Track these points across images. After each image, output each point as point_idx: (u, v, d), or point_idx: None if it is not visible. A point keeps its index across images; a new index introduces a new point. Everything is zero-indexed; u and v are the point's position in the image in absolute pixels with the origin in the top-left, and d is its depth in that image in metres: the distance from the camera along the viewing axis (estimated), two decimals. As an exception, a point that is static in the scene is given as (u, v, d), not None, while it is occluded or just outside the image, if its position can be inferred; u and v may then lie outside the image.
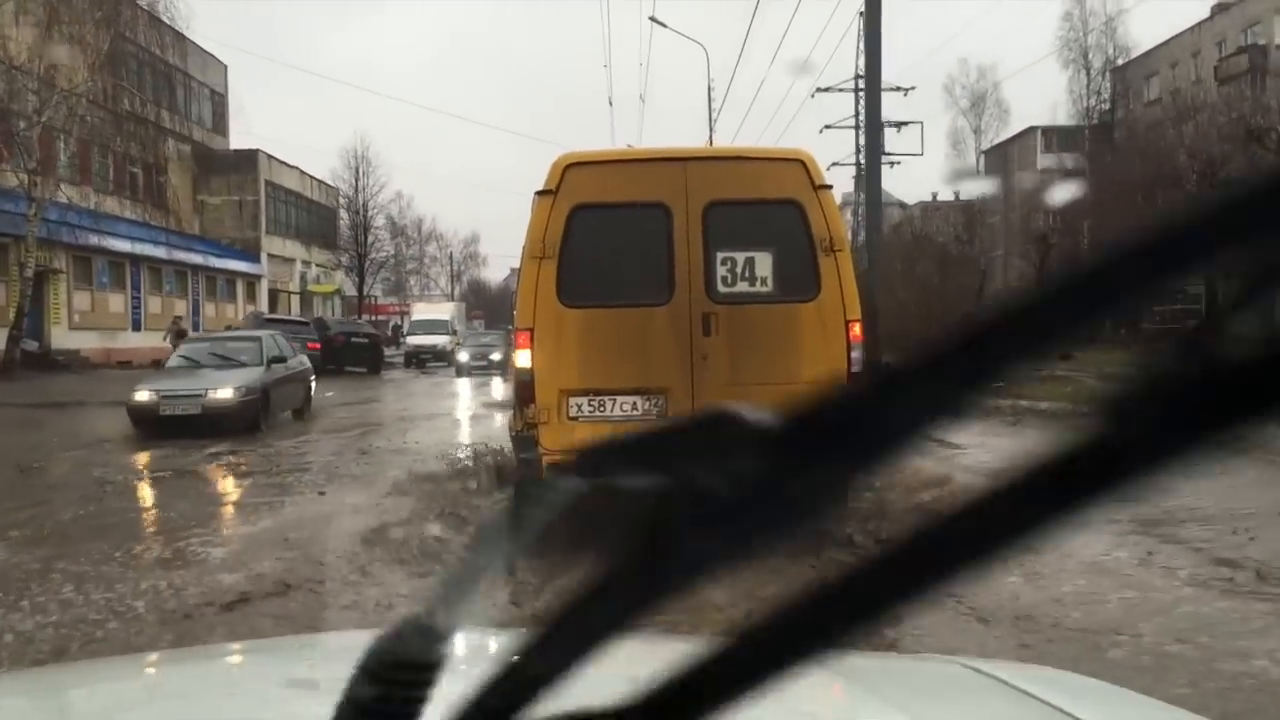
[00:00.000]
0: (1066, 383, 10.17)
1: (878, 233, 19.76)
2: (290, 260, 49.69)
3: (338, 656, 1.42)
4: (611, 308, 6.79)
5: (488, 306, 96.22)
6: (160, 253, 37.16)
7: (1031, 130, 73.81)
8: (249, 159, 47.25)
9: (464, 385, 27.39)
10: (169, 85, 46.11)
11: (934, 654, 3.02)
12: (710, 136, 41.22)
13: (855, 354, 6.65)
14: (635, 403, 6.74)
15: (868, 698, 1.48)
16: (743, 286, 6.80)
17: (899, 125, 72.79)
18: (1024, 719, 1.37)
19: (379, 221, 45.59)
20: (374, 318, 61.26)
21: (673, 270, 6.78)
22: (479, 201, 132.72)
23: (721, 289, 6.81)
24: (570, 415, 6.72)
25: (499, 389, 22.97)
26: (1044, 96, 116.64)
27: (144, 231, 36.43)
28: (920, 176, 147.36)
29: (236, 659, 1.98)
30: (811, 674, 1.51)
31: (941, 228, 53.16)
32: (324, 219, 51.83)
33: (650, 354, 6.74)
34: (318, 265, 50.43)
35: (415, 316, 45.48)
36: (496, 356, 31.27)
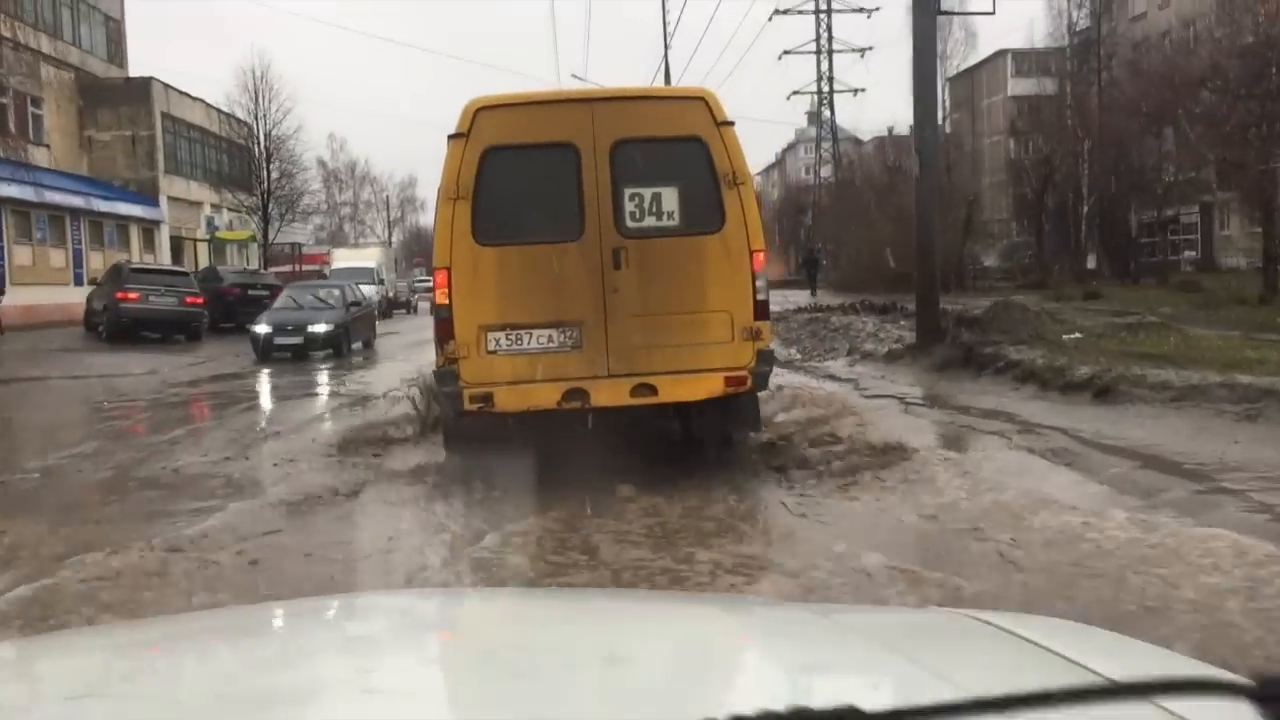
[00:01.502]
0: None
1: (933, 142, 15.29)
2: (196, 204, 44.18)
3: (362, 617, 1.83)
4: (525, 245, 7.02)
5: (426, 254, 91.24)
6: (29, 194, 31.78)
7: (1001, 54, 69.52)
8: (141, 89, 41.62)
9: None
10: (53, 6, 40.70)
11: (936, 606, 3.56)
12: (665, 63, 36.49)
13: (759, 283, 7.00)
14: (551, 335, 6.98)
15: (872, 646, 1.49)
16: (650, 221, 7.06)
17: (862, 51, 69.24)
18: (1031, 666, 1.36)
19: (292, 156, 39.82)
20: (297, 268, 56.01)
21: (583, 207, 7.02)
22: (417, 140, 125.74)
23: (630, 224, 7.05)
24: (489, 349, 6.95)
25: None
26: (1014, 20, 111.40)
27: (8, 170, 31.04)
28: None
29: (271, 619, 1.97)
30: (813, 626, 1.64)
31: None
32: (237, 159, 46.30)
33: (563, 288, 6.96)
34: (230, 210, 44.90)
35: (335, 264, 40.36)
36: None
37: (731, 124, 7.16)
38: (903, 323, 15.90)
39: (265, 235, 37.43)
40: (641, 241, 7.01)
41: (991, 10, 13.71)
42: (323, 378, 16.99)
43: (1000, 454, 7.73)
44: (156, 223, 41.29)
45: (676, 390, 6.95)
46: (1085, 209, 38.66)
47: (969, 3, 16.03)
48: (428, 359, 9.42)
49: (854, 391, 11.26)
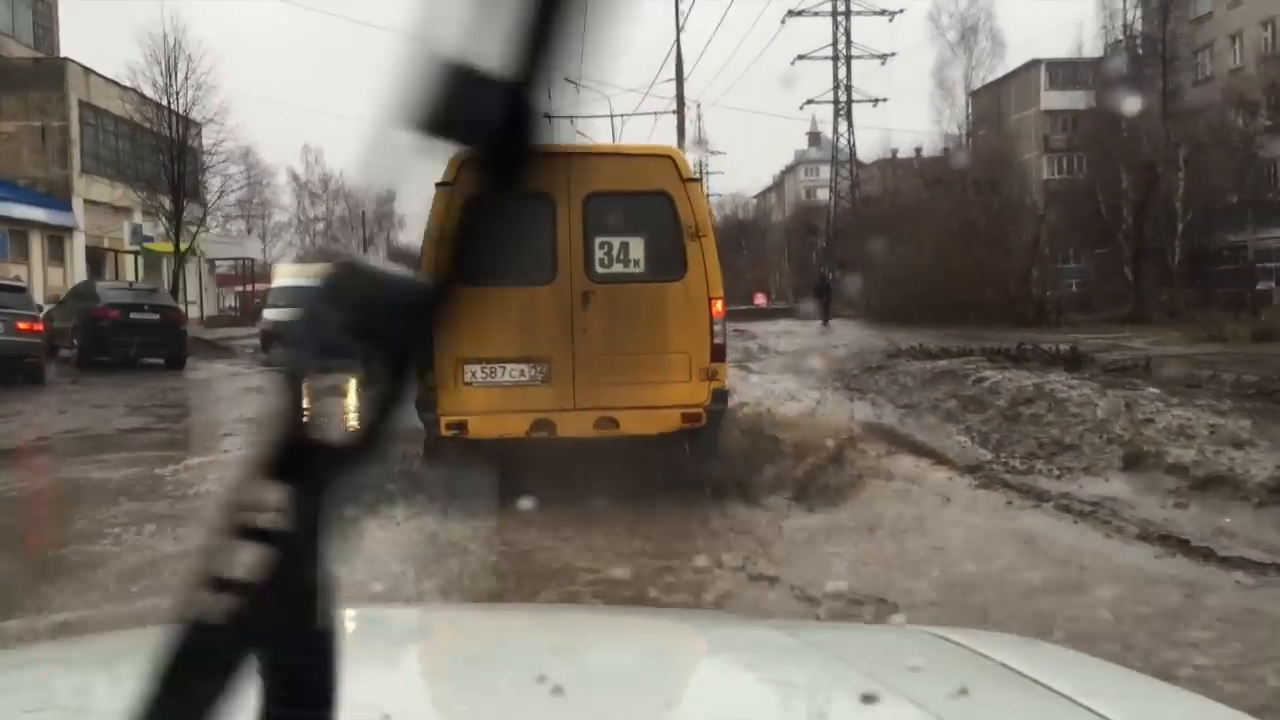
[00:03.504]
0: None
1: None
2: (122, 209, 37.32)
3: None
4: (501, 286, 6.63)
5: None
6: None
7: (1034, 64, 63.58)
8: (54, 72, 35.12)
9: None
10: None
11: (899, 623, 3.52)
12: (678, 67, 30.30)
13: (717, 327, 7.46)
14: (523, 369, 7.41)
15: (838, 664, 1.50)
16: (618, 268, 7.49)
17: (883, 57, 63.17)
18: (992, 684, 1.38)
19: (216, 147, 32.56)
20: (251, 287, 49.33)
21: (556, 253, 7.40)
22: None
23: (599, 270, 7.46)
24: (465, 381, 7.33)
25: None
26: (1044, 28, 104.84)
27: None
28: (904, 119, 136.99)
29: None
30: (781, 643, 1.64)
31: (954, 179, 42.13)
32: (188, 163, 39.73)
33: (536, 327, 7.34)
34: (170, 219, 38.25)
35: (276, 282, 33.60)
36: None
37: (697, 180, 8.34)
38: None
39: (176, 244, 30.45)
40: (609, 286, 7.43)
41: None
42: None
43: None
44: (68, 230, 34.66)
45: (637, 424, 7.28)
46: (1180, 227, 32.30)
47: None
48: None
49: None
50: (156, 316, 20.74)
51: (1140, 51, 48.79)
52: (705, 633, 1.93)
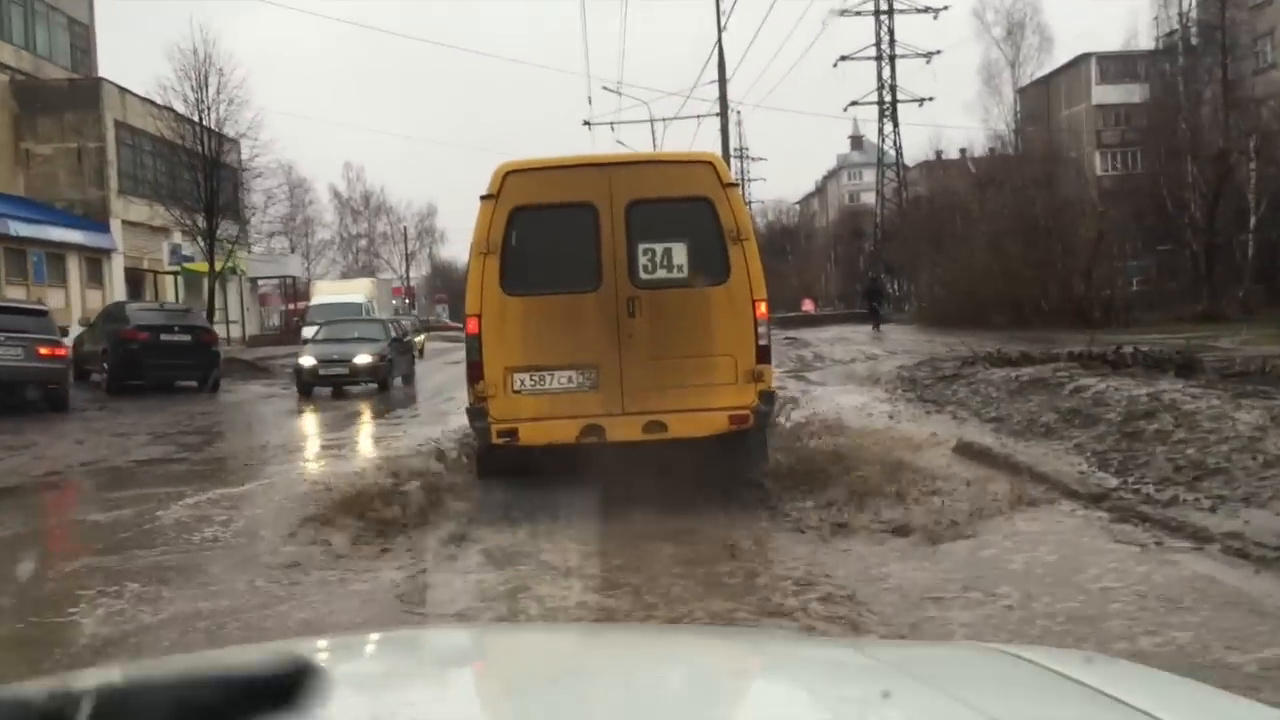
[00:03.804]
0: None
1: None
2: (160, 230, 36.80)
3: (377, 656, 1.84)
4: (548, 295, 7.50)
5: (456, 289, 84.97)
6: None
7: (1084, 58, 61.82)
8: (89, 92, 34.69)
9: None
10: (-1, 7, 34.18)
11: (962, 640, 3.48)
12: (720, 68, 29.26)
13: (761, 329, 7.44)
14: (571, 376, 7.41)
15: (904, 681, 1.45)
16: (661, 274, 7.51)
17: (928, 56, 61.62)
18: (1068, 702, 1.34)
19: (251, 161, 31.73)
20: (290, 306, 48.83)
21: (600, 261, 7.48)
22: (437, 165, 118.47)
23: (643, 276, 7.51)
24: (515, 389, 7.39)
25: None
26: (1093, 22, 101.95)
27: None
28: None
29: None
30: (845, 659, 1.66)
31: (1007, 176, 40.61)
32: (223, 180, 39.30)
33: (582, 334, 7.42)
34: (201, 237, 37.75)
35: (315, 300, 32.90)
36: None
37: (736, 185, 8.06)
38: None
39: (211, 261, 29.81)
40: (653, 292, 7.47)
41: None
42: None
43: None
44: (105, 252, 34.21)
45: (685, 427, 7.26)
46: (1253, 220, 30.66)
47: None
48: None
49: None
50: (188, 338, 19.99)
51: (1196, 41, 47.05)
52: (767, 650, 1.92)
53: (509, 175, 7.46)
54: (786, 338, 30.80)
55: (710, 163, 7.78)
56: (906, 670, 1.51)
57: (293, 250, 77.56)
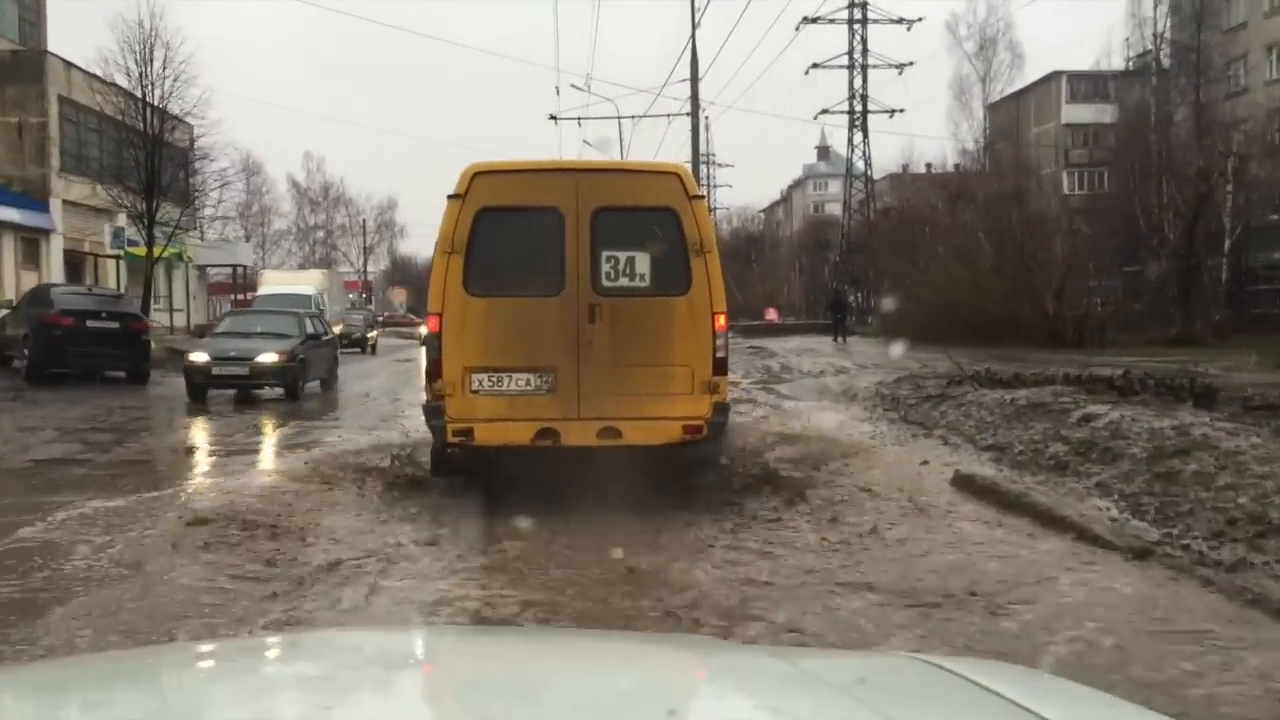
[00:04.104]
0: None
1: None
2: (104, 211, 35.10)
3: (321, 655, 1.82)
4: (510, 297, 7.53)
5: (416, 284, 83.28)
6: None
7: (1055, 76, 61.59)
8: (32, 65, 33.07)
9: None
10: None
11: (888, 649, 3.49)
12: (693, 65, 28.27)
13: (719, 341, 7.45)
14: (529, 379, 7.41)
15: (829, 692, 1.51)
16: (624, 282, 7.51)
17: (900, 66, 61.02)
18: (981, 712, 1.38)
19: (194, 141, 30.06)
20: (240, 296, 47.12)
21: (564, 266, 7.46)
22: (398, 159, 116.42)
23: (606, 283, 7.48)
24: (472, 389, 7.39)
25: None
26: (1064, 41, 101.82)
27: None
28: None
29: (225, 657, 1.94)
30: (773, 669, 1.69)
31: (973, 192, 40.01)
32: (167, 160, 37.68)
33: (542, 338, 7.44)
34: (158, 224, 36.15)
35: (262, 289, 31.45)
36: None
37: (702, 197, 7.99)
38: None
39: (150, 246, 28.25)
40: (615, 299, 7.45)
41: None
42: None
43: None
44: (44, 232, 32.62)
45: (639, 435, 7.31)
46: (1227, 244, 30.13)
47: None
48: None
49: None
50: (116, 325, 18.60)
51: (1170, 62, 46.82)
52: (698, 658, 1.93)
53: (477, 176, 7.49)
54: (751, 346, 29.90)
55: (677, 174, 7.80)
56: (831, 681, 1.57)
57: (248, 239, 75.84)
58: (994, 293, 27.28)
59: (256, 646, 2.02)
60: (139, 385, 18.90)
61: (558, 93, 56.11)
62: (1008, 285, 26.76)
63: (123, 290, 30.47)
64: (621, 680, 1.59)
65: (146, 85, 25.99)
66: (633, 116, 40.43)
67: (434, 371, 7.40)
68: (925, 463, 8.21)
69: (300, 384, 16.77)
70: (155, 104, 26.16)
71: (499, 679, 1.57)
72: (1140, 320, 29.65)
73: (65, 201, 33.48)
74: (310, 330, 18.25)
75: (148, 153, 26.23)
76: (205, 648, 2.54)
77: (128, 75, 26.70)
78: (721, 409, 7.42)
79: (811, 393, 15.11)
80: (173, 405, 16.05)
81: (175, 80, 26.19)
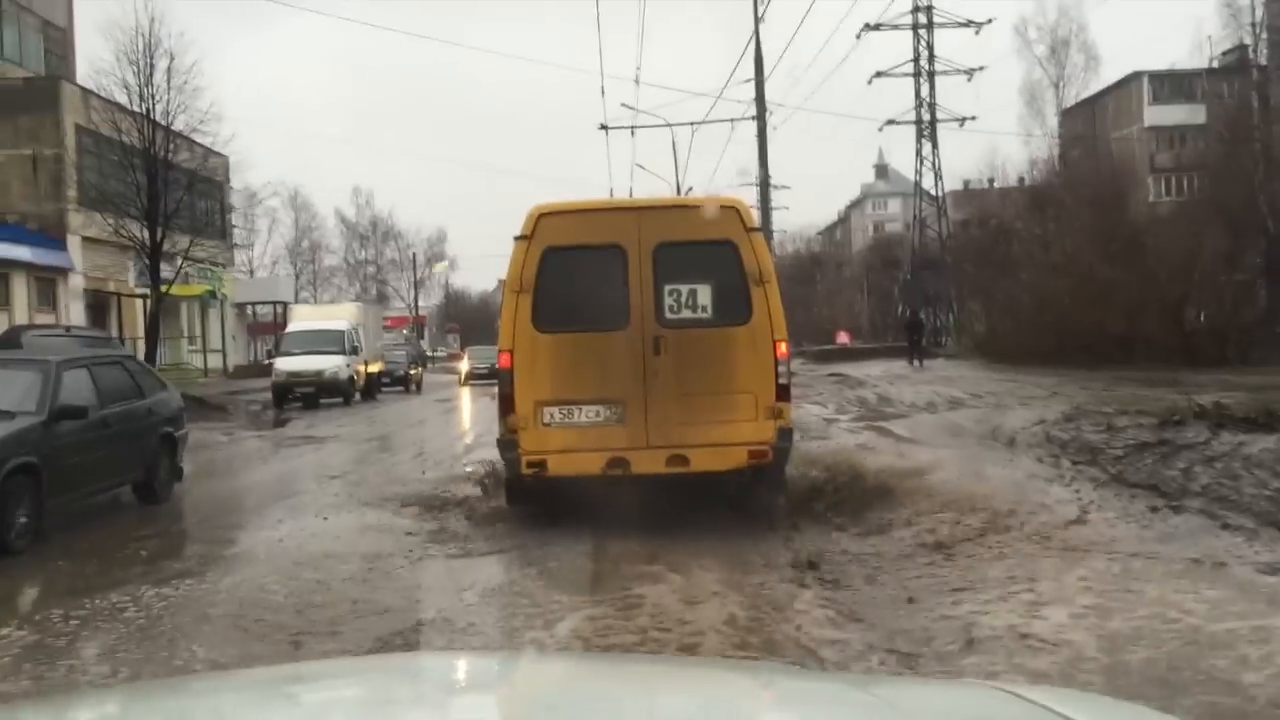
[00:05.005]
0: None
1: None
2: (128, 249, 32.78)
3: (395, 679, 1.91)
4: (578, 332, 7.83)
5: (466, 320, 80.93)
6: None
7: (1135, 77, 57.91)
8: (46, 94, 30.99)
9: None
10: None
11: (966, 678, 3.44)
12: (758, 62, 25.31)
13: (781, 368, 7.72)
14: (598, 410, 7.68)
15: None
16: (687, 314, 7.81)
17: (970, 72, 57.57)
18: None
19: (202, 162, 27.34)
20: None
21: (628, 300, 7.77)
22: (447, 190, 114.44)
23: (669, 316, 7.80)
24: (544, 422, 7.67)
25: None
26: (1138, 39, 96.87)
27: None
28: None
29: (282, 684, 1.97)
30: (850, 699, 1.73)
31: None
32: (204, 194, 35.43)
33: (610, 370, 7.72)
34: (188, 259, 33.80)
35: (292, 327, 28.78)
36: None
37: (759, 229, 8.36)
38: None
39: (154, 279, 25.53)
40: (679, 331, 7.74)
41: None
42: None
43: None
44: (61, 271, 30.35)
45: (706, 461, 7.58)
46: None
47: None
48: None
49: None
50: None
51: (1266, 54, 42.96)
52: (774, 686, 1.90)
53: (542, 217, 7.75)
54: (832, 374, 26.69)
55: (735, 208, 8.06)
56: (900, 708, 1.58)
57: (298, 276, 73.96)
58: (1112, 305, 23.78)
59: (321, 672, 2.07)
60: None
61: (603, 93, 53.25)
62: (1130, 296, 23.24)
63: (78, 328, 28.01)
64: (693, 707, 1.62)
65: (147, 99, 23.31)
66: (690, 123, 37.28)
67: (507, 406, 7.67)
68: (1205, 564, 4.96)
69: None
70: (158, 120, 23.50)
71: (563, 703, 1.60)
72: (1273, 335, 25.92)
73: (85, 238, 31.19)
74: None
75: (151, 174, 23.56)
76: (266, 673, 2.50)
77: (125, 89, 24.00)
78: (785, 434, 7.68)
79: (941, 433, 11.87)
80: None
81: (179, 92, 23.39)
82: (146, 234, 24.42)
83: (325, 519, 8.62)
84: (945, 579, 5.70)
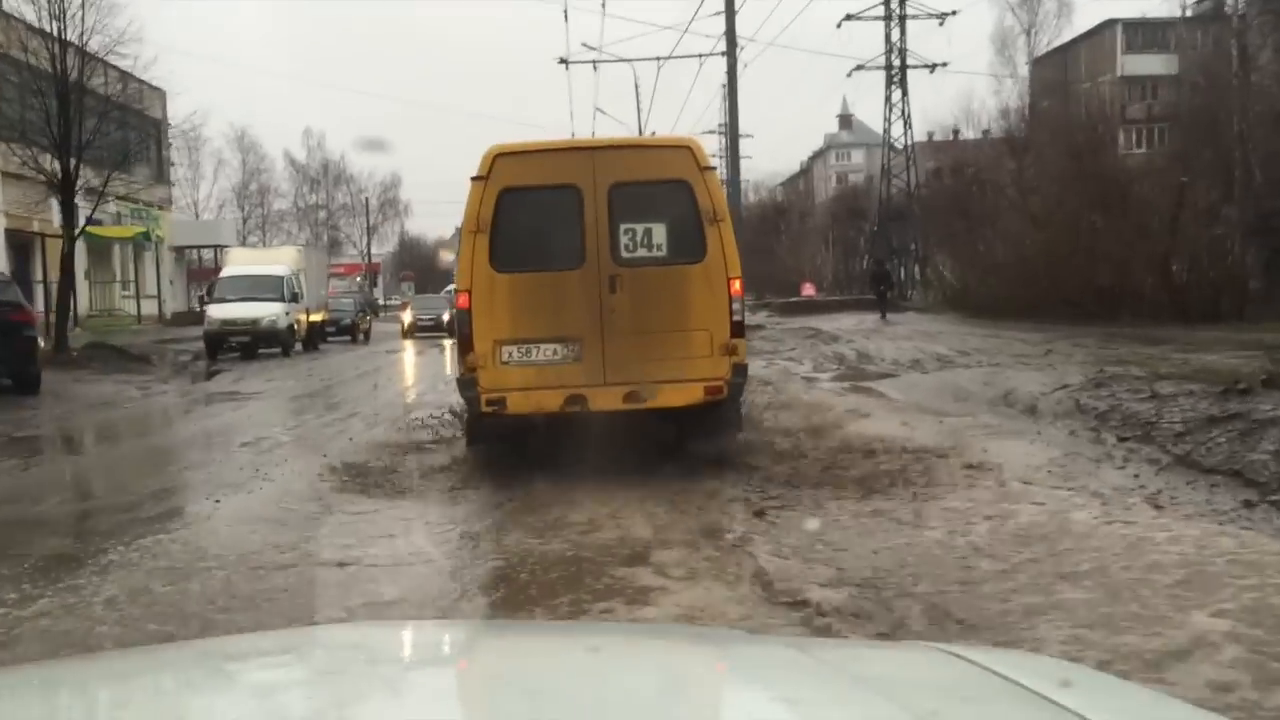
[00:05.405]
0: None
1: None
2: (54, 185, 30.50)
3: (334, 651, 1.78)
4: (534, 272, 7.91)
5: (421, 268, 78.66)
6: None
7: (1108, 25, 56.68)
8: (-46, 12, 28.35)
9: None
10: None
11: (912, 640, 3.35)
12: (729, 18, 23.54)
13: (735, 305, 7.84)
14: (555, 349, 7.80)
15: (848, 684, 1.49)
16: (642, 252, 7.90)
17: (941, 17, 55.89)
18: (1006, 702, 1.37)
19: (118, 88, 25.00)
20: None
21: (584, 240, 7.85)
22: (402, 131, 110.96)
23: (624, 255, 7.88)
24: (503, 360, 7.78)
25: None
26: None
27: None
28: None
29: (231, 655, 1.85)
30: (796, 662, 1.65)
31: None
32: (133, 126, 32.92)
33: (567, 309, 7.83)
34: (119, 199, 31.59)
35: (226, 271, 26.87)
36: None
37: (713, 169, 8.44)
38: None
39: (67, 216, 23.48)
40: (634, 270, 7.83)
41: None
42: None
43: None
44: (-33, 210, 28.09)
45: (663, 397, 7.73)
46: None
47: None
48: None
49: None
50: (-10, 317, 13.98)
51: (1244, 3, 41.73)
52: (717, 651, 1.92)
53: (498, 158, 7.84)
54: (803, 328, 25.32)
55: (689, 147, 8.12)
56: (848, 671, 1.56)
57: (246, 220, 71.20)
58: (1098, 258, 22.54)
59: (266, 644, 1.96)
60: (30, 393, 14.36)
61: (565, 18, 51.10)
62: (1118, 248, 21.98)
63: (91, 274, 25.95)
64: (641, 676, 1.59)
65: (59, 16, 21.10)
66: (657, 58, 35.02)
67: (465, 346, 7.77)
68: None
69: None
70: (70, 40, 21.33)
71: (517, 675, 1.57)
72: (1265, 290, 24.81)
73: (6, 174, 28.94)
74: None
75: (60, 99, 21.44)
76: (214, 645, 2.43)
77: (34, 4, 21.70)
78: (740, 370, 7.85)
79: (942, 398, 10.45)
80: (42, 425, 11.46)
81: (94, 7, 21.11)
82: (59, 166, 22.17)
83: (218, 502, 7.04)
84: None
